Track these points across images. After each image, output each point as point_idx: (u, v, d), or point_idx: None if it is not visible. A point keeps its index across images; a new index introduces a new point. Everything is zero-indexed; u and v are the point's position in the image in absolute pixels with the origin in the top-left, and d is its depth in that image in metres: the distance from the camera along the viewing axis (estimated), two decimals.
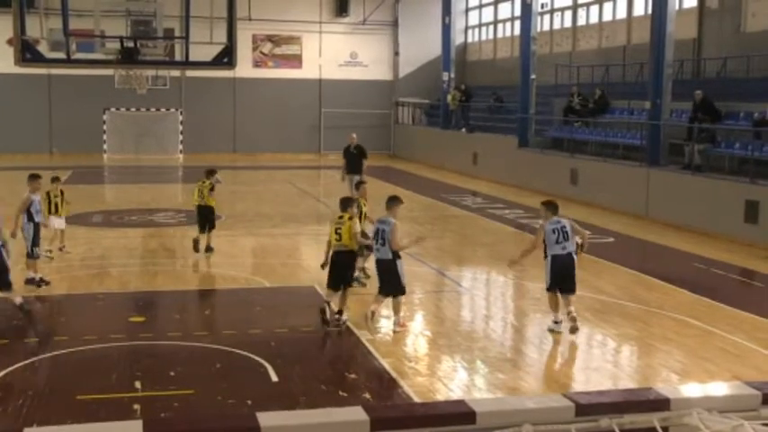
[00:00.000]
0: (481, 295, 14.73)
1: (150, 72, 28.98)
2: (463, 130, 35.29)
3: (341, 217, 12.10)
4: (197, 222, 17.09)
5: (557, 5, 34.37)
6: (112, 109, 39.15)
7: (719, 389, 4.96)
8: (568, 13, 33.67)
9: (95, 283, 14.61)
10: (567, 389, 9.54)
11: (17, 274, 13.18)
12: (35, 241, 13.95)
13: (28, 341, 11.42)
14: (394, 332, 11.71)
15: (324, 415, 4.14)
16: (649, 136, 22.87)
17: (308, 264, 16.00)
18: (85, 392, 9.25)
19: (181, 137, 40.25)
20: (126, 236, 19.43)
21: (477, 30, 41.17)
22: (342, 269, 12.03)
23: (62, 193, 16.64)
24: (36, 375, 10.02)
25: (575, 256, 11.96)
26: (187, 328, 11.83)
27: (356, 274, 13.23)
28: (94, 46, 17.11)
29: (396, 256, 11.62)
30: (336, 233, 12.01)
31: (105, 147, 39.32)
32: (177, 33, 17.55)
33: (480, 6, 40.51)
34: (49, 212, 16.12)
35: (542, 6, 32.89)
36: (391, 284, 11.70)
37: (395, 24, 42.10)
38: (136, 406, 8.86)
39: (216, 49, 16.68)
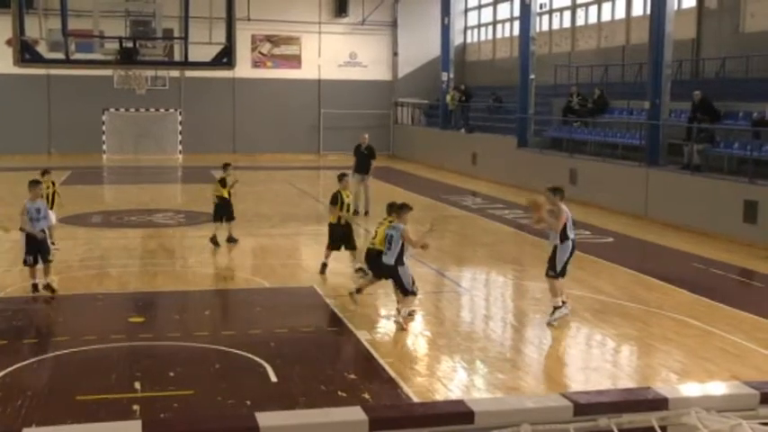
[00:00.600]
0: (481, 295, 14.73)
1: (149, 72, 28.96)
2: (462, 130, 35.30)
3: (385, 219, 12.52)
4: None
5: (555, 6, 34.39)
6: (111, 109, 39.16)
7: (718, 388, 4.96)
8: (567, 14, 33.69)
9: (95, 283, 14.61)
10: (566, 389, 9.54)
11: (14, 276, 13.17)
12: (28, 249, 13.24)
13: (27, 342, 11.42)
14: (396, 323, 11.85)
15: (322, 415, 4.14)
16: (648, 136, 22.88)
17: (308, 264, 16.04)
18: (85, 393, 9.25)
19: (180, 137, 40.26)
20: (125, 236, 19.43)
21: (476, 30, 41.19)
22: (371, 266, 12.74)
23: (54, 184, 16.59)
24: (35, 376, 10.02)
25: None
26: (187, 329, 11.83)
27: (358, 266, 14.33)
28: (93, 46, 17.12)
29: (398, 262, 11.78)
30: (375, 231, 12.76)
31: (104, 147, 39.33)
32: (176, 34, 17.57)
33: (479, 7, 40.53)
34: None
35: (541, 7, 32.90)
36: (395, 284, 12.14)
37: (394, 25, 42.11)
38: (135, 406, 8.86)
39: (215, 50, 16.69)
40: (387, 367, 10.26)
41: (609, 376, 10.30)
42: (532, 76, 29.64)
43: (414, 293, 12.00)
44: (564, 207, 12.17)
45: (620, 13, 30.29)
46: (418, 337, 11.89)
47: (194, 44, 16.53)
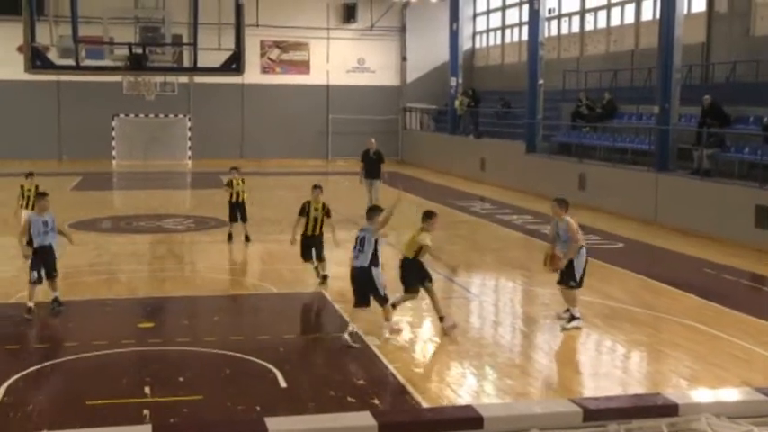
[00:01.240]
0: (490, 301, 14.71)
1: (159, 78, 29.00)
2: (471, 135, 35.27)
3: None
4: None
5: (564, 11, 34.34)
6: (121, 115, 39.27)
7: (728, 394, 4.96)
8: (576, 19, 33.63)
9: (104, 288, 14.64)
10: (576, 395, 9.51)
11: (24, 281, 13.18)
12: (33, 264, 12.73)
13: (38, 347, 11.45)
14: (386, 339, 11.56)
15: (331, 420, 4.15)
16: (658, 141, 22.82)
17: None
18: (95, 398, 9.27)
19: (189, 143, 40.35)
20: (134, 242, 19.47)
21: (484, 35, 41.17)
22: (402, 274, 12.20)
23: (37, 188, 16.64)
24: (46, 381, 10.04)
25: None
26: (196, 334, 11.85)
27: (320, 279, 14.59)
28: (103, 53, 17.20)
29: (372, 263, 11.40)
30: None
31: (114, 153, 39.45)
32: (185, 40, 17.61)
33: (488, 12, 40.51)
34: (24, 208, 16.14)
35: (550, 12, 32.86)
36: (366, 295, 11.52)
37: (402, 30, 42.13)
38: (145, 411, 8.87)
39: (224, 56, 16.73)
40: (396, 373, 10.25)
41: (619, 382, 10.26)
42: (541, 82, 29.60)
43: (387, 299, 11.69)
44: (569, 218, 12.34)
45: (630, 18, 30.23)
46: (427, 343, 11.87)
47: (203, 50, 16.58)
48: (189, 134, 40.32)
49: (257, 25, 36.63)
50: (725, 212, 19.63)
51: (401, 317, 12.60)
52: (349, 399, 9.36)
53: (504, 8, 38.97)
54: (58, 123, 38.97)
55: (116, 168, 38.12)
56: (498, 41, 39.77)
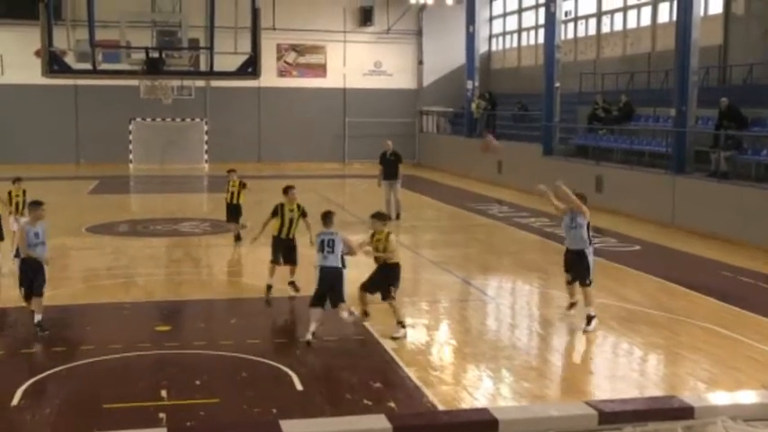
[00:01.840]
0: (507, 304, 14.67)
1: (175, 82, 29.12)
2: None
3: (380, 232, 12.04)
4: None
5: (581, 13, 34.26)
6: (138, 119, 39.43)
7: (745, 397, 4.93)
8: (592, 21, 33.55)
9: (121, 292, 14.70)
10: (592, 398, 9.47)
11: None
12: (21, 278, 11.97)
13: (55, 350, 11.50)
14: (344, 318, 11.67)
15: (346, 423, 4.15)
16: (675, 143, 22.73)
17: None
18: (112, 401, 9.30)
19: (206, 146, 40.46)
20: (151, 245, 19.54)
21: (501, 38, 41.12)
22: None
23: (24, 193, 16.53)
24: (63, 384, 10.08)
25: None
26: (212, 337, 11.87)
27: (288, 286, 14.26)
28: (120, 56, 17.31)
29: (343, 264, 11.67)
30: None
31: (131, 156, 39.59)
32: (202, 44, 17.69)
33: (504, 15, 40.47)
34: (11, 213, 16.12)
35: (566, 14, 32.80)
36: (326, 296, 11.65)
37: (419, 33, 42.13)
38: (161, 414, 8.89)
39: (240, 59, 16.80)
40: (412, 375, 10.24)
41: (636, 385, 10.21)
42: (557, 84, 29.54)
43: (344, 301, 11.72)
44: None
45: (646, 20, 30.12)
46: (443, 346, 11.87)
47: (220, 54, 16.64)
48: (206, 138, 40.43)
49: (274, 29, 36.69)
50: (742, 215, 19.52)
51: (417, 319, 12.59)
52: (365, 402, 9.35)
53: (520, 11, 38.93)
54: (76, 127, 39.16)
55: (133, 172, 38.28)
56: (515, 44, 39.71)
